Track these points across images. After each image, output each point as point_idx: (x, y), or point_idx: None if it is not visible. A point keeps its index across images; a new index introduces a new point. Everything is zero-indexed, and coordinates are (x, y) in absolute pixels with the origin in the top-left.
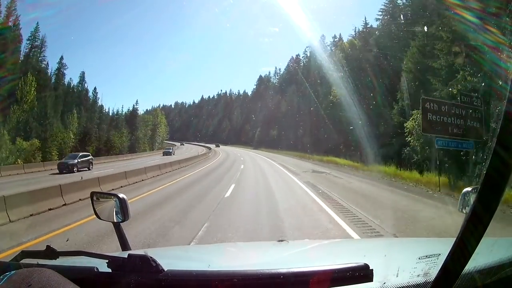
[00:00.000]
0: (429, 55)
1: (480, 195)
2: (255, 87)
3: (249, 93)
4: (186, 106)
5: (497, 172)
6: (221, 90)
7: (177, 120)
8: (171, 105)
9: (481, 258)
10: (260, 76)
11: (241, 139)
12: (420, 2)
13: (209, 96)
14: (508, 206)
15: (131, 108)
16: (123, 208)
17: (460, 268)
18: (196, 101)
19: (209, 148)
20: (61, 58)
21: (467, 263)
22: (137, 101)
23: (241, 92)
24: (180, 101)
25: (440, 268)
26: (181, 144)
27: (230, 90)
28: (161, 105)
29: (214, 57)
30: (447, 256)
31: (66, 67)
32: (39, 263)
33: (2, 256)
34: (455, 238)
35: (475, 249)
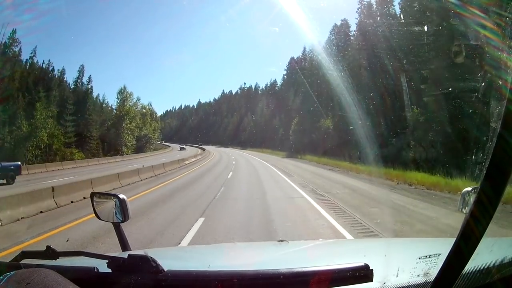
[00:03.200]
0: (429, 54)
1: (480, 195)
2: (285, 72)
3: (279, 82)
4: (205, 104)
5: (497, 172)
6: (244, 84)
7: (193, 120)
8: (193, 106)
9: (481, 258)
10: (292, 59)
11: (267, 139)
12: (421, 2)
13: (230, 91)
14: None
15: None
16: (123, 208)
17: (460, 268)
18: (217, 98)
19: (203, 149)
20: (13, 31)
21: (467, 263)
22: (89, 77)
23: (269, 83)
24: (202, 101)
25: (440, 268)
26: (180, 149)
27: (256, 83)
28: (183, 106)
29: (237, 55)
30: (447, 256)
31: (19, 43)
32: (39, 263)
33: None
34: (455, 238)
35: (475, 249)
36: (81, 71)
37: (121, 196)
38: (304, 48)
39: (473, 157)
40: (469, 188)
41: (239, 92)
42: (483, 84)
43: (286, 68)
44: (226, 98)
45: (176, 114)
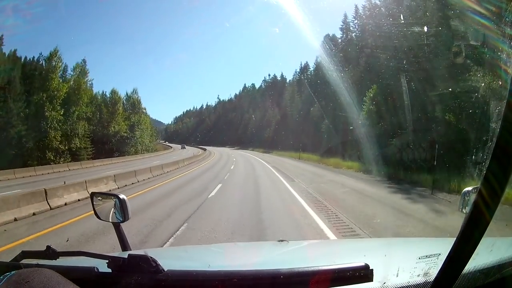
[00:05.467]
0: (429, 55)
1: (480, 195)
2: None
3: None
4: (224, 102)
5: (497, 172)
6: (269, 75)
7: (210, 119)
8: (215, 104)
9: (481, 258)
10: (327, 36)
11: (303, 137)
12: (421, 2)
13: (253, 84)
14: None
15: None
16: (123, 208)
17: (460, 268)
18: (238, 93)
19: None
20: None
21: (467, 263)
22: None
23: (298, 68)
24: (223, 98)
25: (440, 268)
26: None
27: (281, 73)
28: (205, 105)
29: (265, 47)
30: (447, 256)
31: None
32: (39, 263)
33: None
34: (455, 238)
35: (475, 249)
36: (134, 91)
37: (121, 196)
38: (345, 16)
39: (473, 157)
40: (469, 188)
41: (263, 86)
42: (483, 84)
43: (322, 43)
44: (247, 92)
45: (194, 114)
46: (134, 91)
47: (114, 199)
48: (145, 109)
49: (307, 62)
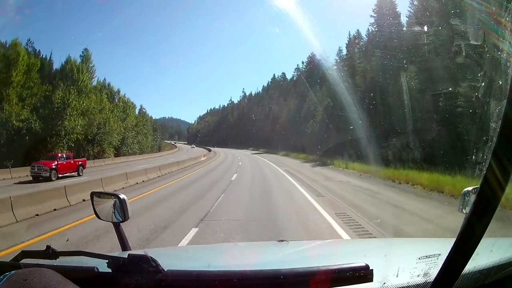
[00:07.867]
0: (430, 54)
1: (480, 195)
2: (374, 19)
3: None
4: (252, 96)
5: (497, 172)
6: (302, 62)
7: (232, 115)
8: (244, 100)
9: (481, 258)
10: None
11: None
12: (421, 2)
13: (283, 74)
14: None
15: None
16: (123, 208)
17: (460, 268)
18: (265, 86)
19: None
20: None
21: (467, 263)
22: None
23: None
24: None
25: (440, 268)
26: None
27: (323, 50)
28: (229, 103)
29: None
30: (447, 256)
31: None
32: (39, 263)
33: None
34: (455, 238)
35: (475, 249)
36: (84, 57)
37: (121, 196)
38: None
39: (473, 157)
40: (469, 188)
41: (295, 77)
42: (483, 84)
43: (373, 13)
44: (277, 84)
45: (218, 112)
46: (84, 55)
47: (114, 199)
48: (119, 92)
49: (357, 30)
